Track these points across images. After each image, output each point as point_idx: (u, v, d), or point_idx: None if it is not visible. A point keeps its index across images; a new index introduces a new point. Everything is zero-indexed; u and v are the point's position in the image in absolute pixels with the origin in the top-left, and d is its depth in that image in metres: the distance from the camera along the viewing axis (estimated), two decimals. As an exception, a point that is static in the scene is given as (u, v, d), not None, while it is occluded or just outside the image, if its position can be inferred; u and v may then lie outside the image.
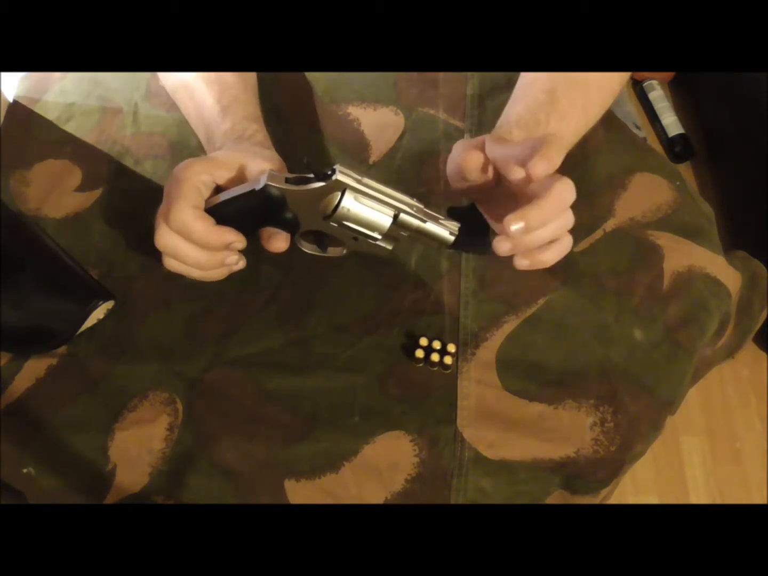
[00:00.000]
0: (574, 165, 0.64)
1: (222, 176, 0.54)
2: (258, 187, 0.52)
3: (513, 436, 0.57)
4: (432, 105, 0.70)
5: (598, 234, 0.65)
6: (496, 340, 0.60)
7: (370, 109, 0.70)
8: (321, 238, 0.58)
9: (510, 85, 0.66)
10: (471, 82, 0.72)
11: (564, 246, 0.53)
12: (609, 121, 0.68)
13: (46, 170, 0.68)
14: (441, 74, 0.72)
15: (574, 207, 0.65)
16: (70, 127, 0.71)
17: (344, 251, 0.58)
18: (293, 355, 0.59)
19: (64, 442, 0.56)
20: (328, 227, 0.54)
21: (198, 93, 0.63)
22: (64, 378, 0.58)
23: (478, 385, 0.58)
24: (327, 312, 0.61)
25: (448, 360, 0.57)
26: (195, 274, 0.55)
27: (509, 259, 0.62)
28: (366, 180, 0.51)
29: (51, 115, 0.72)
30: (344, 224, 0.53)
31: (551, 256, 0.52)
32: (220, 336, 0.60)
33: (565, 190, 0.49)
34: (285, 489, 0.55)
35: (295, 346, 0.59)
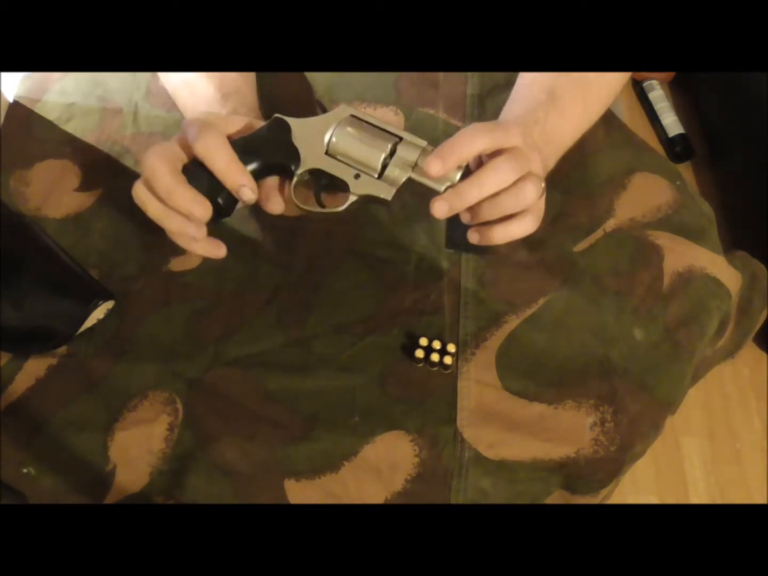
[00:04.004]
0: (574, 165, 0.65)
1: (232, 131, 0.56)
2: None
3: (513, 436, 0.57)
4: (432, 105, 0.70)
5: (598, 234, 0.65)
6: (496, 340, 0.60)
7: (370, 109, 0.70)
8: (319, 190, 0.59)
9: (510, 85, 0.66)
10: (471, 82, 0.72)
11: (517, 227, 0.54)
12: (609, 120, 0.68)
13: (46, 170, 0.68)
14: (441, 74, 0.72)
15: (575, 207, 0.66)
16: (70, 127, 0.70)
17: (342, 207, 0.57)
18: (293, 355, 0.59)
19: (64, 442, 0.56)
20: (329, 164, 0.55)
21: (198, 87, 0.63)
22: (64, 378, 0.58)
23: (478, 385, 0.58)
24: (327, 312, 0.61)
25: (448, 360, 0.57)
26: (190, 218, 0.54)
27: (510, 258, 0.62)
28: (368, 113, 0.54)
29: (51, 115, 0.72)
30: (345, 155, 0.55)
31: (498, 234, 0.54)
32: (220, 336, 0.60)
33: (504, 161, 0.50)
34: (285, 489, 0.54)
35: (295, 346, 0.59)
